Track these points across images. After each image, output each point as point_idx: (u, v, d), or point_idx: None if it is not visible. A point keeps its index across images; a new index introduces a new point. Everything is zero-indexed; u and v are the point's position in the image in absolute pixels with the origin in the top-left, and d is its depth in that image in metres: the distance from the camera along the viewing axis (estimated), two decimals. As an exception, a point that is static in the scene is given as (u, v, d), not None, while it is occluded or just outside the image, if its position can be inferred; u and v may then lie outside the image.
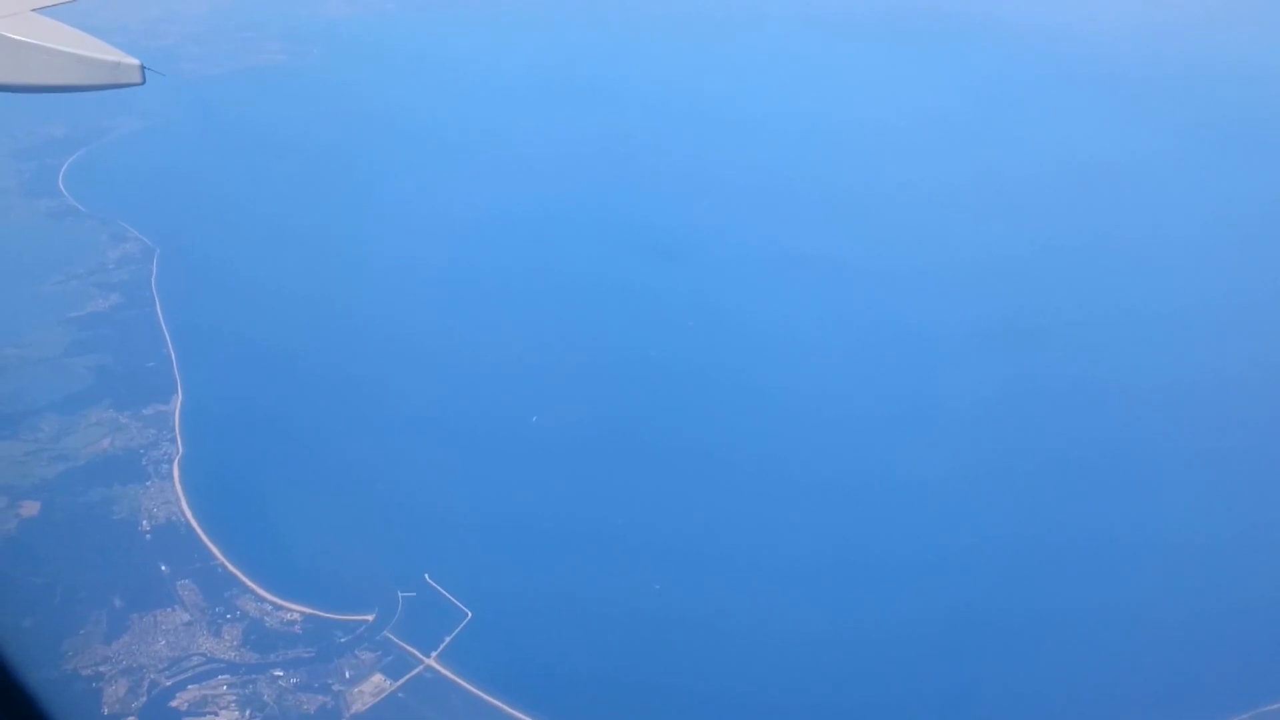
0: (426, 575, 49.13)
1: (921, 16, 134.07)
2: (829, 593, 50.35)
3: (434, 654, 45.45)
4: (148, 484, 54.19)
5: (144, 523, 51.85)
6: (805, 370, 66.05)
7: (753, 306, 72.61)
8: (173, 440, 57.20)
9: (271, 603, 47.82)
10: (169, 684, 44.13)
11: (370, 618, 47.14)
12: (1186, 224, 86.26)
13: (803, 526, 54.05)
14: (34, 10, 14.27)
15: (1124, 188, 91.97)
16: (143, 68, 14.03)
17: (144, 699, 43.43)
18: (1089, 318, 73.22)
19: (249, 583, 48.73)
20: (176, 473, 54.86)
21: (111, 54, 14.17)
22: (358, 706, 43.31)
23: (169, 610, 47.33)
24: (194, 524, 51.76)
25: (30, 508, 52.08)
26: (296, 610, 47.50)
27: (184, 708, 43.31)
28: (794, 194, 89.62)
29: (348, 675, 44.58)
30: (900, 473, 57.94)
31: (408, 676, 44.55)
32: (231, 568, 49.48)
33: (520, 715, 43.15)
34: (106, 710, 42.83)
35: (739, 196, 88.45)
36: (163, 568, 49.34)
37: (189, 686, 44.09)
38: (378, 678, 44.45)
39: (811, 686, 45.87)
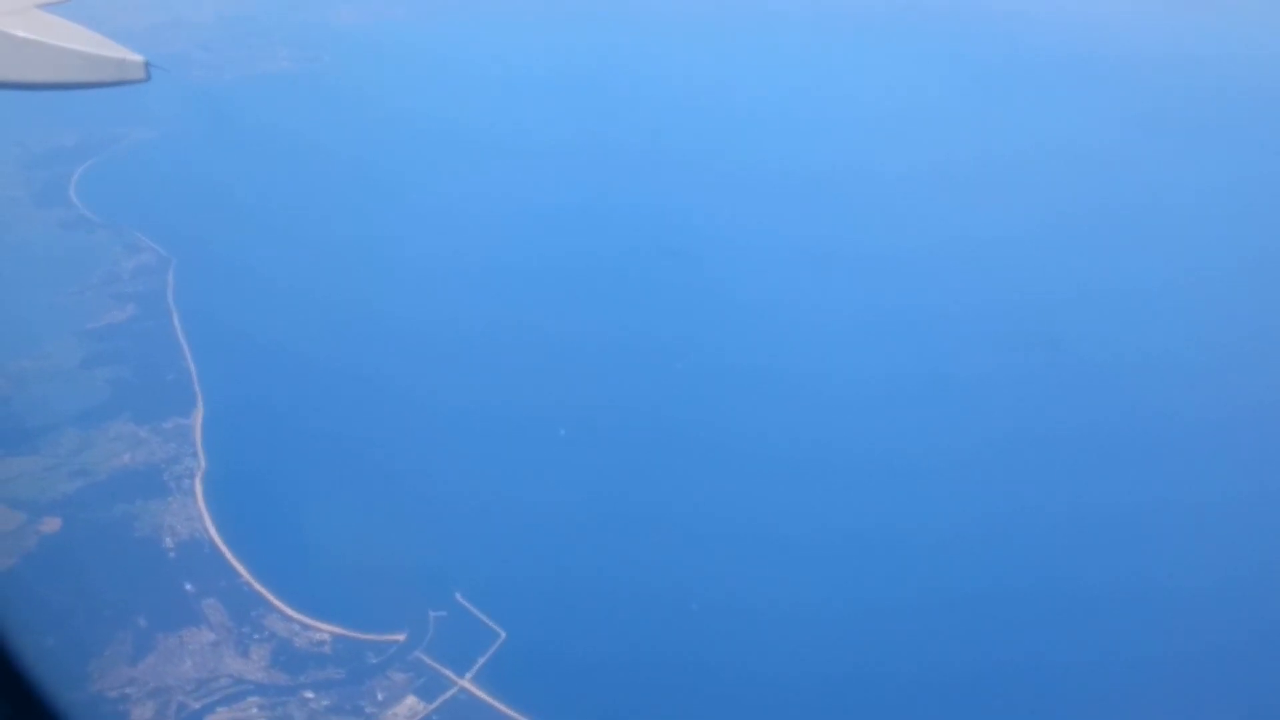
0: (458, 594, 48.21)
1: (925, 11, 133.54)
2: (877, 596, 49.93)
3: (468, 675, 44.57)
4: (170, 500, 53.29)
5: (167, 540, 50.95)
6: (835, 363, 65.89)
7: (778, 300, 72.19)
8: (194, 455, 56.30)
9: (300, 622, 46.91)
10: (197, 706, 43.21)
11: (401, 638, 46.25)
12: (1182, 208, 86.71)
13: (850, 532, 53.53)
14: (37, 6, 13.83)
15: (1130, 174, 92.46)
16: (147, 64, 13.42)
17: (172, 721, 42.51)
18: (1096, 301, 73.91)
19: (276, 602, 47.82)
20: (199, 488, 53.96)
21: (116, 51, 13.64)
22: (391, 730, 42.41)
23: (195, 630, 46.42)
24: (218, 541, 50.87)
25: (51, 524, 51.13)
26: (325, 630, 46.61)
27: (213, 731, 42.40)
28: (808, 186, 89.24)
29: (380, 697, 43.69)
30: (930, 458, 58.47)
31: (442, 699, 43.66)
32: (258, 586, 48.57)
33: (559, 739, 42.26)
34: (134, 734, 41.89)
35: (760, 191, 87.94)
36: (187, 586, 48.41)
37: (218, 709, 43.16)
38: (411, 700, 43.55)
39: (857, 697, 45.19)
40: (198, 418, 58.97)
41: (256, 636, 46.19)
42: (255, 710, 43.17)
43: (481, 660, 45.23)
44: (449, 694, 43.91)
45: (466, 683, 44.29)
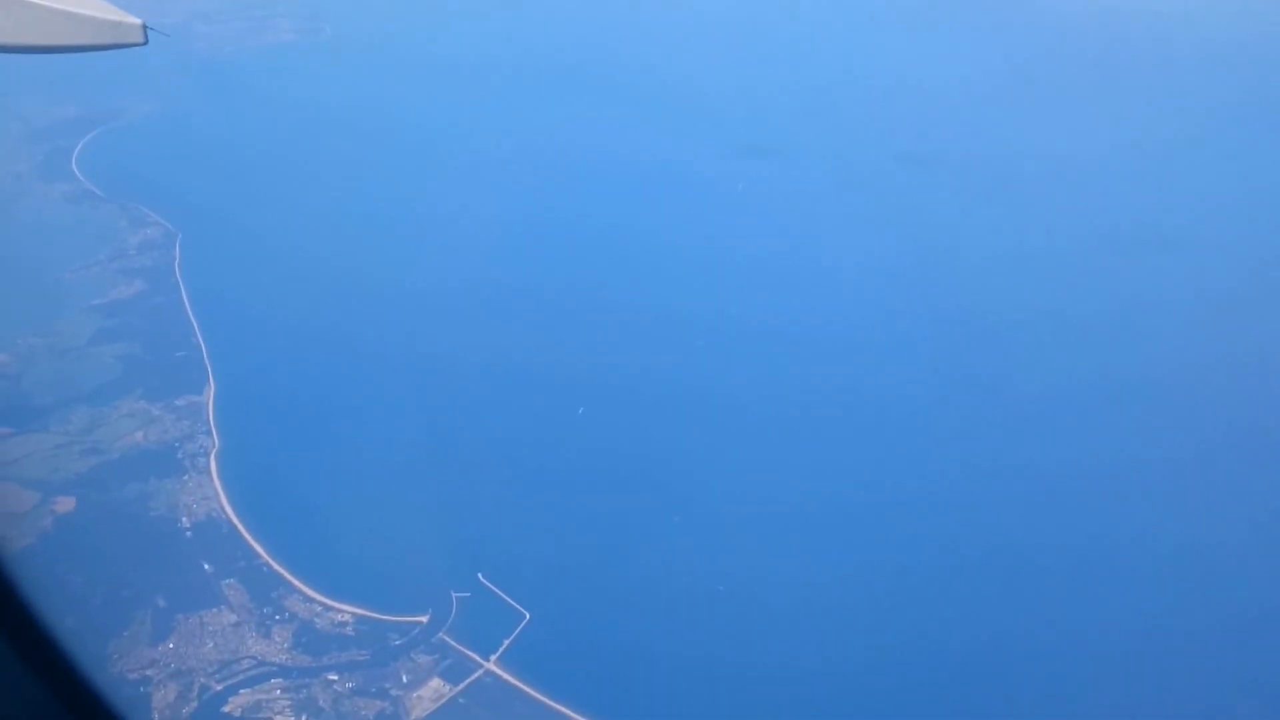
0: (480, 575, 47.60)
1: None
2: (889, 585, 49.01)
3: (493, 657, 43.99)
4: (185, 478, 52.62)
5: (183, 519, 50.30)
6: (844, 361, 64.80)
7: (795, 301, 71.22)
8: (208, 433, 55.61)
9: (321, 603, 46.31)
10: (220, 688, 42.63)
11: (424, 619, 45.66)
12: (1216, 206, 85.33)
13: (858, 511, 52.90)
14: None
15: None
16: (145, 27, 12.90)
17: (195, 704, 41.91)
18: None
19: (296, 582, 47.22)
20: (214, 466, 53.30)
21: (112, 13, 13.12)
22: (417, 712, 41.80)
23: (215, 611, 45.81)
24: (235, 520, 50.23)
25: (65, 503, 50.42)
26: (347, 611, 46.02)
27: (237, 713, 41.82)
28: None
29: (405, 679, 43.11)
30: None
31: (468, 681, 43.05)
32: (277, 566, 47.96)
33: (590, 722, 41.75)
34: (157, 716, 41.34)
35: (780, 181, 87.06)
36: (206, 566, 47.79)
37: (241, 691, 42.61)
38: (436, 682, 42.97)
39: (880, 682, 44.62)
40: (209, 394, 58.23)
41: (278, 617, 45.60)
42: (279, 692, 42.60)
43: (507, 642, 44.64)
44: (475, 676, 43.32)
45: (493, 665, 43.70)
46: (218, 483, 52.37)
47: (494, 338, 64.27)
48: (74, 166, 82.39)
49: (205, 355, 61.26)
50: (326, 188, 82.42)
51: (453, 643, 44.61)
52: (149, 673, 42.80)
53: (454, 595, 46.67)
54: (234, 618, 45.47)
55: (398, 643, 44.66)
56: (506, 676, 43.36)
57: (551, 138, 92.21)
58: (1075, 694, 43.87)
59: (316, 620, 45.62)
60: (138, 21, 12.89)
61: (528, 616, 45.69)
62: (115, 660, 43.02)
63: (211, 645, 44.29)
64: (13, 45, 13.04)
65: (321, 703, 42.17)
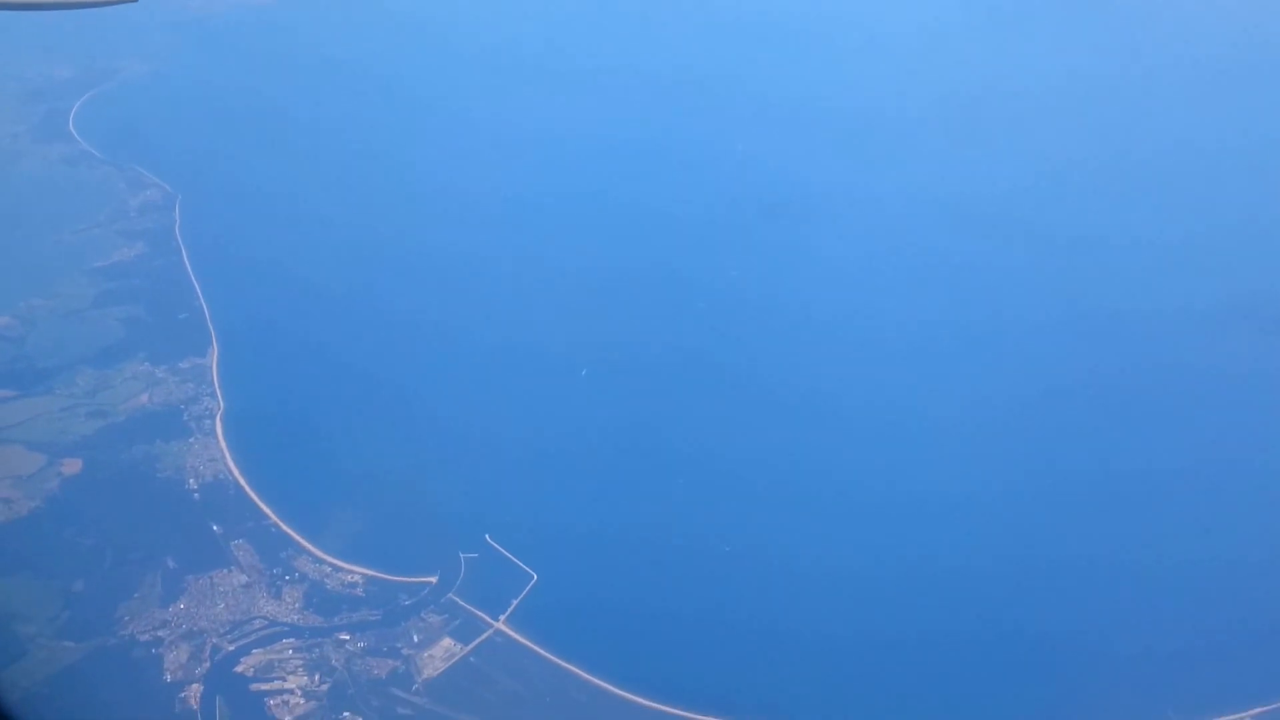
0: (487, 536, 47.90)
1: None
2: (892, 543, 49.41)
3: (502, 617, 44.40)
4: (191, 440, 52.78)
5: (191, 481, 50.48)
6: (852, 331, 64.66)
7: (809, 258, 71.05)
8: (213, 395, 55.71)
9: (330, 564, 46.65)
10: (232, 648, 43.04)
11: (433, 579, 46.00)
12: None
13: (862, 471, 53.39)
14: None
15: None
16: None
17: (207, 664, 42.34)
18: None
19: (305, 543, 47.54)
20: (220, 428, 53.40)
21: None
22: (429, 671, 42.22)
23: (225, 571, 46.13)
24: (242, 482, 50.50)
25: (72, 465, 50.58)
26: (357, 571, 46.38)
27: (250, 673, 42.27)
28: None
29: (416, 639, 43.52)
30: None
31: (478, 640, 43.48)
32: (285, 527, 48.22)
33: (599, 682, 42.14)
34: (169, 677, 41.72)
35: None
36: (215, 527, 48.03)
37: (253, 651, 43.00)
38: (447, 641, 43.39)
39: (883, 629, 45.25)
40: (213, 357, 58.22)
41: (288, 578, 45.91)
42: (290, 652, 42.96)
43: (515, 602, 45.04)
44: (485, 635, 43.72)
45: (502, 624, 44.09)
46: (224, 444, 52.55)
47: (502, 298, 64.39)
48: (71, 127, 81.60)
49: (208, 318, 61.22)
50: (326, 146, 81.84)
51: (462, 603, 45.04)
52: (160, 634, 43.15)
53: (462, 556, 47.01)
54: (244, 578, 45.79)
55: (408, 603, 45.06)
56: (516, 636, 43.80)
57: (571, 85, 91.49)
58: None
59: (327, 581, 45.97)
60: (130, -21, 12.81)
61: (535, 577, 46.06)
62: (126, 622, 43.35)
63: (223, 606, 44.64)
64: (7, 3, 12.94)
65: (334, 662, 42.59)
